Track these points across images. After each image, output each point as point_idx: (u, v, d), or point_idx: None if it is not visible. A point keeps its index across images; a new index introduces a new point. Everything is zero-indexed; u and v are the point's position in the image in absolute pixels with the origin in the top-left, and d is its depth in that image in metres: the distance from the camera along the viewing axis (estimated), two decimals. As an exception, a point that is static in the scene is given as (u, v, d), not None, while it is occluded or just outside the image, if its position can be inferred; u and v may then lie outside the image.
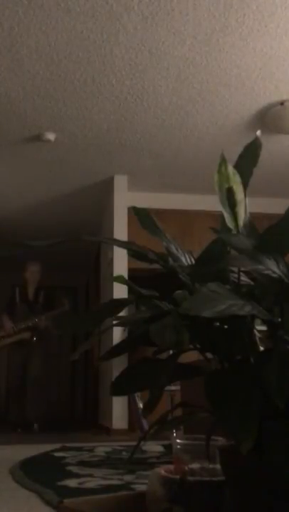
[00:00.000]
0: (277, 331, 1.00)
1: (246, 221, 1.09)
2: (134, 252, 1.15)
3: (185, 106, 3.95)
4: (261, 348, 1.03)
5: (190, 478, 1.11)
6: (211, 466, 1.14)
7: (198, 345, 1.09)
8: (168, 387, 3.35)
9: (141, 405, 3.11)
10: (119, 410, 4.62)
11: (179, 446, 1.22)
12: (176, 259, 1.16)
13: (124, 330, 4.46)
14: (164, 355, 1.11)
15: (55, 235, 6.52)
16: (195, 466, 1.16)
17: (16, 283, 5.70)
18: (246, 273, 1.08)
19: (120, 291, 4.57)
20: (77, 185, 5.32)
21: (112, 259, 4.98)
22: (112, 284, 4.85)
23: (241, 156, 1.14)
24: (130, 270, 4.75)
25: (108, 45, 3.26)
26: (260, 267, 0.95)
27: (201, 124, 4.22)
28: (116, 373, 1.10)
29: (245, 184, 1.08)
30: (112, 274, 4.93)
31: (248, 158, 1.13)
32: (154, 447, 2.94)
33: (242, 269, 1.05)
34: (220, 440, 1.08)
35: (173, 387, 3.49)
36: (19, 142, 4.43)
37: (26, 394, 5.20)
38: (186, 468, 1.15)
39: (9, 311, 5.45)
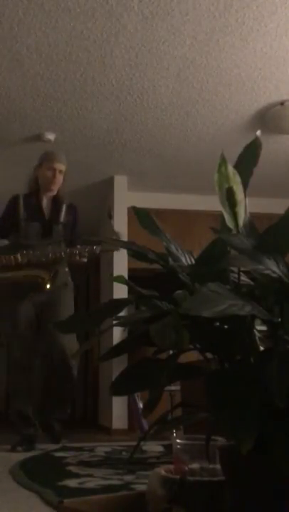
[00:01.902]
0: (277, 331, 1.00)
1: (246, 221, 1.09)
2: (134, 252, 1.15)
3: (185, 106, 3.95)
4: (261, 348, 1.03)
5: (190, 478, 1.11)
6: (211, 466, 1.14)
7: (198, 345, 1.09)
8: (168, 387, 3.35)
9: (141, 405, 3.11)
10: (119, 410, 4.62)
11: (179, 446, 1.22)
12: (176, 259, 1.16)
13: (124, 330, 4.46)
14: (164, 355, 1.11)
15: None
16: (195, 466, 1.16)
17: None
18: (246, 273, 1.08)
19: (120, 291, 4.57)
20: (77, 185, 5.32)
21: (112, 259, 4.98)
22: (112, 284, 4.85)
23: (241, 156, 1.14)
24: (130, 270, 4.75)
25: (108, 45, 3.25)
26: (260, 267, 0.95)
27: (201, 124, 4.22)
28: (116, 373, 1.10)
29: (245, 184, 1.08)
30: (112, 274, 4.93)
31: (248, 158, 1.13)
32: (154, 447, 2.94)
33: (242, 269, 1.05)
34: (220, 440, 1.08)
35: (173, 387, 3.49)
36: (19, 142, 4.43)
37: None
38: (186, 468, 1.15)
39: (6, 228, 3.37)
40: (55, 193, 3.39)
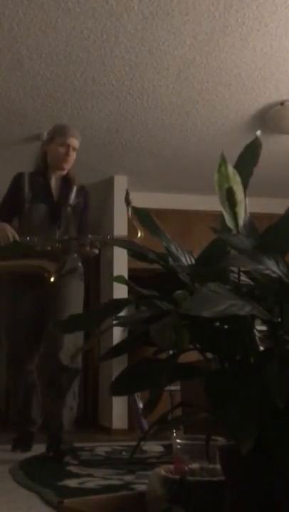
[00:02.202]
0: (277, 331, 1.00)
1: (246, 221, 1.09)
2: (134, 252, 1.15)
3: (185, 106, 3.95)
4: (261, 348, 1.03)
5: (190, 478, 1.11)
6: (211, 466, 1.14)
7: (198, 345, 1.09)
8: (168, 387, 3.35)
9: (141, 405, 3.11)
10: (119, 410, 4.62)
11: (179, 446, 1.22)
12: (176, 259, 1.16)
13: (124, 330, 4.46)
14: (164, 355, 1.11)
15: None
16: (195, 466, 1.16)
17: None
18: (246, 273, 1.08)
19: (120, 291, 4.57)
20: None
21: (112, 259, 4.98)
22: (112, 284, 4.85)
23: (241, 156, 1.14)
24: (130, 270, 4.75)
25: (108, 45, 3.25)
26: (260, 267, 0.95)
27: (201, 124, 4.22)
28: (116, 373, 1.10)
29: (245, 184, 1.08)
30: (112, 274, 4.93)
31: (248, 158, 1.13)
32: (154, 447, 2.94)
33: (242, 269, 1.05)
34: (220, 440, 1.08)
35: (173, 387, 3.49)
36: (19, 142, 4.43)
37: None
38: (186, 468, 1.15)
39: (7, 210, 2.96)
40: (65, 172, 2.98)
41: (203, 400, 0.92)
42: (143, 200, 5.15)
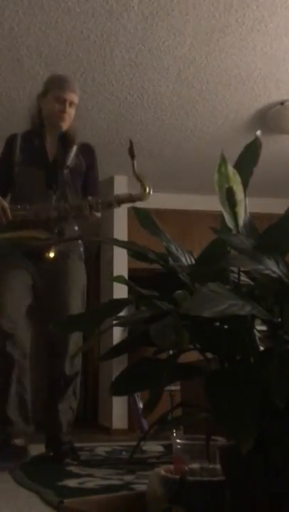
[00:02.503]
0: (277, 331, 1.00)
1: (246, 221, 1.09)
2: (134, 252, 1.15)
3: (185, 106, 3.95)
4: (261, 348, 1.03)
5: (190, 478, 1.11)
6: (211, 466, 1.14)
7: (198, 345, 1.09)
8: (168, 387, 3.35)
9: (141, 405, 3.11)
10: (119, 410, 4.62)
11: (179, 446, 1.22)
12: (176, 259, 1.16)
13: (124, 330, 4.46)
14: (164, 355, 1.11)
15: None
16: (195, 466, 1.16)
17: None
18: (246, 273, 1.08)
19: (120, 291, 4.57)
20: (77, 185, 5.32)
21: (112, 259, 4.98)
22: (112, 284, 4.85)
23: (241, 156, 1.14)
24: (130, 270, 4.75)
25: (108, 45, 3.25)
26: (260, 267, 0.95)
27: (201, 124, 4.22)
28: (116, 373, 1.10)
29: (245, 184, 1.08)
30: (112, 274, 4.93)
31: (248, 158, 1.13)
32: (154, 447, 2.94)
33: (242, 269, 1.05)
34: (220, 440, 1.08)
35: (173, 387, 3.49)
36: (19, 142, 4.42)
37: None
38: (186, 468, 1.15)
39: None
40: (63, 129, 2.58)
41: (203, 400, 0.92)
42: (143, 200, 5.15)
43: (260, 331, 1.05)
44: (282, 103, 3.91)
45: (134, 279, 1.32)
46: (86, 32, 3.14)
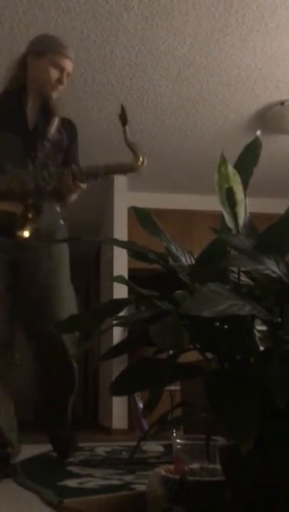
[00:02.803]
0: (277, 331, 1.00)
1: (246, 221, 1.09)
2: (134, 252, 1.15)
3: (185, 106, 3.95)
4: (261, 348, 1.03)
5: (190, 478, 1.11)
6: (211, 466, 1.14)
7: (198, 345, 1.09)
8: (168, 387, 3.35)
9: (141, 405, 3.11)
10: (119, 410, 4.62)
11: (179, 446, 1.22)
12: (176, 259, 1.16)
13: (124, 330, 4.47)
14: (164, 355, 1.11)
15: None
16: (195, 466, 1.16)
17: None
18: (246, 273, 1.08)
19: (120, 291, 4.57)
20: (77, 185, 5.31)
21: (112, 259, 4.98)
22: (112, 284, 4.85)
23: (241, 156, 1.14)
24: (130, 270, 4.75)
25: (108, 45, 3.25)
26: (260, 267, 0.95)
27: (201, 124, 4.22)
28: (116, 373, 1.10)
29: (245, 184, 1.08)
30: (112, 274, 4.93)
31: (248, 158, 1.13)
32: (154, 447, 2.94)
33: (242, 269, 1.05)
34: (220, 440, 1.08)
35: (173, 387, 3.49)
36: (19, 142, 4.42)
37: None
38: (186, 468, 1.15)
39: None
40: (52, 100, 2.31)
41: (203, 400, 0.92)
42: (143, 200, 5.17)
43: (260, 331, 1.05)
44: (282, 103, 3.91)
45: (134, 279, 1.32)
46: (86, 32, 3.14)
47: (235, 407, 0.89)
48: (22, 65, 2.29)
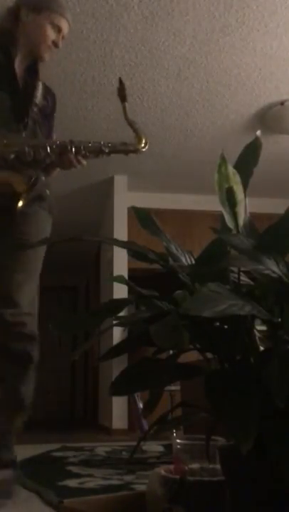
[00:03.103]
0: (277, 331, 1.00)
1: (246, 221, 1.09)
2: (134, 252, 1.15)
3: (185, 106, 3.95)
4: (261, 348, 1.03)
5: (190, 478, 1.11)
6: (211, 466, 1.14)
7: (198, 345, 1.08)
8: (168, 387, 3.35)
9: (141, 405, 3.11)
10: (119, 410, 4.62)
11: (179, 446, 1.22)
12: (176, 259, 1.16)
13: (124, 330, 4.47)
14: (164, 355, 1.11)
15: (55, 235, 6.52)
16: (195, 466, 1.16)
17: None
18: (246, 273, 1.08)
19: (120, 291, 4.57)
20: (77, 186, 5.32)
21: (112, 259, 4.98)
22: (112, 284, 4.85)
23: (241, 156, 1.14)
24: (130, 270, 4.76)
25: (108, 45, 3.25)
26: (260, 267, 0.95)
27: (201, 124, 4.22)
28: (116, 373, 1.11)
29: (245, 184, 1.08)
30: (112, 274, 4.94)
31: (248, 158, 1.13)
32: (154, 447, 2.94)
33: (242, 269, 1.05)
34: (220, 440, 1.08)
35: (173, 387, 3.49)
36: (19, 142, 4.43)
37: None
38: (186, 468, 1.15)
39: None
40: (42, 62, 2.11)
41: (203, 400, 0.92)
42: (143, 200, 5.17)
43: (260, 331, 1.05)
44: (282, 103, 3.91)
45: (134, 279, 1.32)
46: (86, 32, 3.14)
47: (235, 407, 0.89)
48: (14, 16, 2.03)
